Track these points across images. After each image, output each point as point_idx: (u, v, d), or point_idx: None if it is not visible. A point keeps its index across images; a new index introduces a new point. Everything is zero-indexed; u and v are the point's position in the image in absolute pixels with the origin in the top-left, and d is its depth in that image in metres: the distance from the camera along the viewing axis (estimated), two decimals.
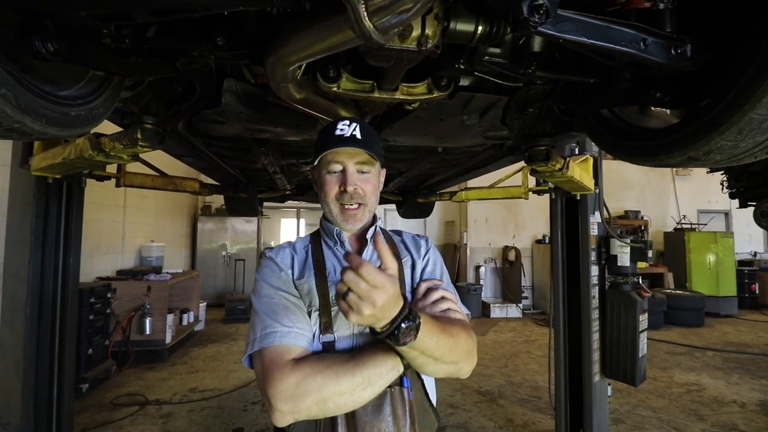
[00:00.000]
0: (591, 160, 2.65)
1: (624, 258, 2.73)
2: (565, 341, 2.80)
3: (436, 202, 4.37)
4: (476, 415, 3.61)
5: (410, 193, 4.22)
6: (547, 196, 2.94)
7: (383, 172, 1.11)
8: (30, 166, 1.95)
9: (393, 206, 4.95)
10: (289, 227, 11.14)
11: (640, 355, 2.64)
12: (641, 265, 2.77)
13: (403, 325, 0.76)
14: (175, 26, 1.10)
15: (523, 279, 8.19)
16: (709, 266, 8.09)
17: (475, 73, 1.29)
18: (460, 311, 1.01)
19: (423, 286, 1.04)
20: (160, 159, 2.63)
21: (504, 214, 8.73)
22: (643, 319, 2.68)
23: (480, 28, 0.94)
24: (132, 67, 1.15)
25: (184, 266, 7.94)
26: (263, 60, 1.08)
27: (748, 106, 0.79)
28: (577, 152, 2.66)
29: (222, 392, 3.97)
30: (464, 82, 1.46)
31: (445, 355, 0.87)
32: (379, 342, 0.94)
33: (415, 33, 0.90)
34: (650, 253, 2.81)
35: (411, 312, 0.78)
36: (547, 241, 7.77)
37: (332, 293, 0.98)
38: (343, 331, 0.96)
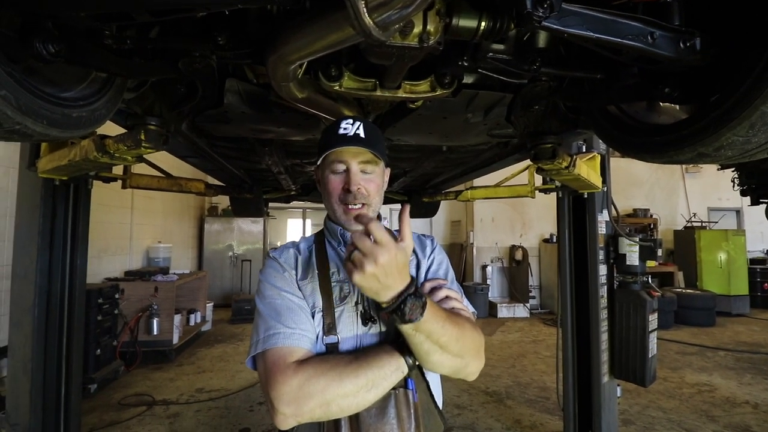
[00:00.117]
0: (598, 158, 2.62)
1: (633, 257, 2.69)
2: (574, 341, 2.77)
3: (442, 202, 4.34)
4: (483, 416, 3.58)
5: (415, 193, 4.21)
6: (554, 194, 2.91)
7: (387, 171, 1.09)
8: (37, 169, 1.97)
9: (398, 206, 4.94)
10: (296, 227, 11.18)
11: (650, 356, 2.60)
12: (650, 263, 2.73)
13: (409, 300, 0.76)
14: (177, 27, 1.10)
15: (530, 278, 8.13)
16: (720, 265, 7.98)
17: (479, 70, 1.27)
18: (466, 309, 1.00)
19: (427, 286, 1.02)
20: (167, 160, 2.65)
21: (511, 213, 8.67)
22: (653, 319, 2.64)
23: (483, 23, 0.93)
24: (134, 68, 1.15)
25: (191, 267, 8.00)
26: (264, 59, 1.07)
27: (760, 100, 0.77)
28: (584, 150, 2.63)
29: (229, 392, 3.99)
30: (468, 79, 1.44)
31: (451, 342, 0.85)
32: (383, 343, 0.93)
33: (417, 30, 0.89)
34: (660, 252, 2.77)
35: (417, 290, 0.78)
36: (554, 240, 7.71)
37: (336, 294, 0.97)
38: (347, 332, 0.94)
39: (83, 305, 2.30)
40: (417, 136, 2.06)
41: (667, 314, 6.53)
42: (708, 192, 9.66)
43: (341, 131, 0.96)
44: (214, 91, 1.37)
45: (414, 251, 1.10)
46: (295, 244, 1.09)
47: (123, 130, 1.56)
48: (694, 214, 9.25)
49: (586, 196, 2.69)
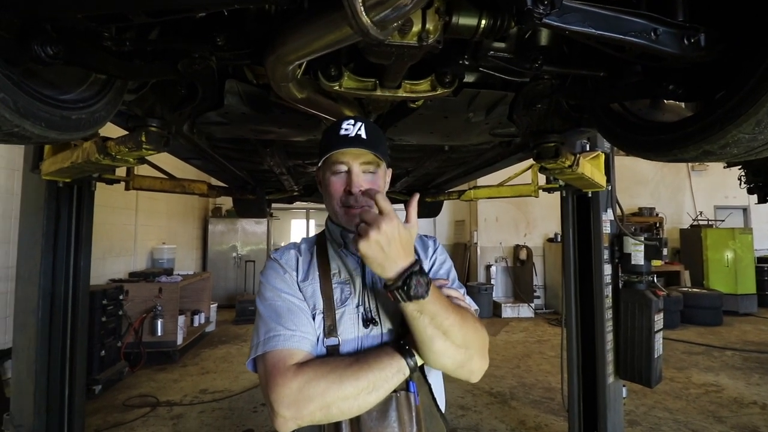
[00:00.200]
0: (602, 157, 2.59)
1: (638, 256, 2.66)
2: (578, 341, 2.75)
3: (445, 202, 4.33)
4: (488, 416, 3.57)
5: (418, 193, 4.19)
6: (558, 193, 2.89)
7: (389, 171, 1.08)
8: (40, 171, 1.98)
9: (401, 206, 4.93)
10: (299, 228, 11.22)
11: (656, 356, 2.58)
12: (656, 263, 2.71)
13: (414, 276, 0.78)
14: (176, 28, 1.10)
15: (534, 278, 8.09)
16: (726, 263, 7.91)
17: (480, 69, 1.26)
18: (469, 307, 0.99)
19: None
20: (170, 162, 2.65)
21: (515, 213, 8.64)
22: (659, 319, 2.61)
23: (483, 21, 0.92)
24: (133, 70, 1.15)
25: (195, 268, 8.03)
26: (263, 60, 1.07)
27: (767, 96, 0.75)
28: (587, 148, 2.60)
29: (232, 393, 3.99)
30: (469, 78, 1.43)
31: (454, 329, 0.84)
32: (384, 345, 0.92)
33: (416, 28, 0.88)
34: (665, 251, 2.75)
35: (422, 269, 0.80)
36: (558, 239, 7.66)
37: (337, 296, 0.97)
38: (348, 334, 0.94)
39: (87, 307, 2.31)
40: (418, 136, 2.05)
41: (673, 314, 6.48)
42: (714, 190, 9.57)
43: (342, 132, 0.96)
44: (214, 92, 1.36)
45: (416, 252, 1.09)
46: (296, 245, 1.08)
47: (125, 132, 1.56)
48: (701, 213, 9.16)
49: (590, 195, 2.67)
